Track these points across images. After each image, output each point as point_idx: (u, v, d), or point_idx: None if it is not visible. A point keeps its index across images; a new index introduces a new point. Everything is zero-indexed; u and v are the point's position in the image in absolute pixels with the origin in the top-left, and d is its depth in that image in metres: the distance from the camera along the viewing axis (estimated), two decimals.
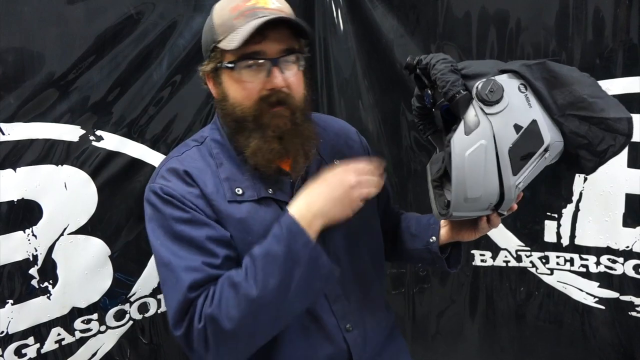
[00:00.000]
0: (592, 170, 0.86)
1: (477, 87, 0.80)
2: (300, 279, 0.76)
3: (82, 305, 1.33)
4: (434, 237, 1.03)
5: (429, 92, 0.90)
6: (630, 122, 0.80)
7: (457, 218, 0.91)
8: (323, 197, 0.81)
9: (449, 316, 1.73)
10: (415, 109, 0.98)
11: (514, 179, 0.82)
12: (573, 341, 1.59)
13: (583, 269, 1.51)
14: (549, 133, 0.81)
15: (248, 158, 0.87)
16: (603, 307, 1.52)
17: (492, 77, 0.81)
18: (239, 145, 0.89)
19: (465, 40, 1.45)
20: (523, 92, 0.82)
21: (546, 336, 1.63)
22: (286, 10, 0.87)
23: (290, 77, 0.85)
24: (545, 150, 0.81)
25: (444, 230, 1.02)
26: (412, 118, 1.57)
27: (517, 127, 0.80)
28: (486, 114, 0.80)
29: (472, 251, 1.63)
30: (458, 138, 0.81)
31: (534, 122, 0.81)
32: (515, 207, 0.90)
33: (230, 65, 0.84)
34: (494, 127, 0.80)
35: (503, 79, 0.82)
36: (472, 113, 0.80)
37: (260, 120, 0.85)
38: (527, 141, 0.81)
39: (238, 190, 0.87)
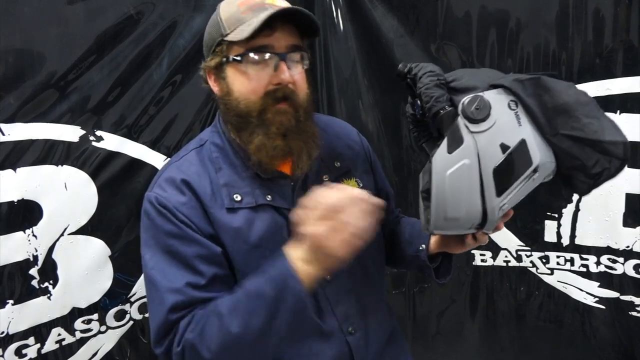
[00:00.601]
0: (586, 192, 0.81)
1: (463, 103, 0.77)
2: (282, 325, 0.75)
3: (83, 305, 1.33)
4: (423, 246, 1.01)
5: (419, 102, 0.85)
6: (626, 145, 0.75)
7: (439, 234, 0.89)
8: (327, 242, 0.74)
9: (449, 316, 1.73)
10: (409, 116, 0.95)
11: (498, 200, 0.78)
12: (573, 341, 1.59)
13: (583, 269, 1.51)
14: (539, 153, 0.77)
15: (251, 154, 0.85)
16: (603, 307, 1.52)
17: (480, 93, 0.78)
18: (241, 145, 0.88)
19: (465, 40, 1.45)
20: (513, 110, 0.78)
21: (546, 336, 1.63)
22: None
23: (296, 74, 0.85)
24: (534, 171, 0.77)
25: (433, 239, 1.00)
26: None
27: (503, 147, 0.77)
28: (471, 131, 0.77)
29: (473, 251, 1.63)
30: (440, 156, 0.78)
31: (522, 141, 0.77)
32: (502, 226, 0.86)
33: (237, 58, 0.83)
34: (479, 146, 0.76)
35: (492, 96, 0.78)
36: (456, 130, 0.77)
37: (264, 116, 0.84)
38: (514, 161, 0.76)
39: (236, 197, 0.86)
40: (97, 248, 1.32)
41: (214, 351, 0.75)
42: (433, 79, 0.81)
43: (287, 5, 0.85)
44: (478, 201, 0.78)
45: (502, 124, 0.77)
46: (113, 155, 1.29)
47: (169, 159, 1.03)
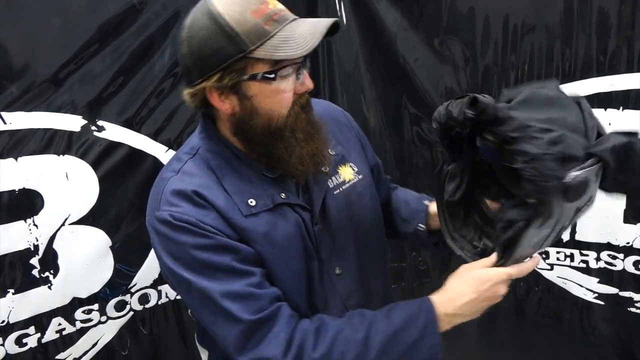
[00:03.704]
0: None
1: (570, 187, 0.70)
2: None
3: (83, 295, 1.33)
4: (421, 225, 1.02)
5: (489, 145, 0.77)
6: None
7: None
8: (469, 303, 0.78)
9: None
10: (442, 130, 0.81)
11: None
12: (572, 336, 1.60)
13: (583, 265, 1.51)
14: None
15: (291, 167, 0.82)
16: (602, 303, 1.52)
17: (585, 173, 0.70)
18: (242, 149, 0.84)
19: (469, 34, 1.44)
20: (598, 179, 0.74)
21: (545, 331, 1.64)
22: None
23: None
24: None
25: (432, 218, 1.01)
26: (415, 111, 1.58)
27: (577, 210, 0.76)
28: (562, 204, 0.73)
29: None
30: (531, 233, 0.74)
31: (590, 198, 0.75)
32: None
33: (269, 75, 0.76)
34: (563, 214, 0.74)
35: (591, 173, 0.71)
36: (551, 203, 0.72)
37: (294, 126, 0.80)
38: (577, 215, 0.77)
39: (251, 202, 0.81)
40: (98, 238, 1.32)
41: None
42: (549, 153, 0.69)
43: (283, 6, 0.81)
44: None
45: (591, 196, 0.75)
46: (114, 145, 1.29)
47: (172, 153, 0.96)
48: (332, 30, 0.78)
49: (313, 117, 0.84)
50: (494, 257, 0.80)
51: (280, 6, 0.78)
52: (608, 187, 0.76)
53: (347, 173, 0.94)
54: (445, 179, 0.88)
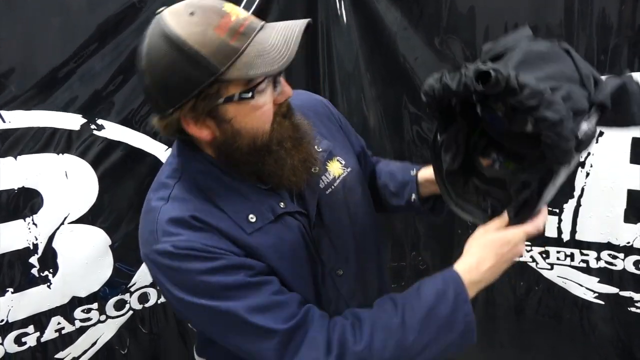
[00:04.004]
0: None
1: (581, 140, 0.70)
2: (446, 345, 0.76)
3: (83, 294, 1.33)
4: (414, 196, 1.01)
5: (499, 114, 0.75)
6: None
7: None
8: (491, 268, 0.78)
9: None
10: (434, 99, 0.79)
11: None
12: (572, 336, 1.59)
13: (583, 264, 1.51)
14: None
15: (284, 180, 0.79)
16: (602, 303, 1.52)
17: (593, 124, 0.71)
18: (229, 165, 0.79)
19: (469, 34, 1.44)
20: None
21: (545, 331, 1.63)
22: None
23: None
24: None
25: (423, 186, 1.01)
26: (415, 110, 1.58)
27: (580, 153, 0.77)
28: (575, 157, 0.73)
29: None
30: (549, 192, 0.75)
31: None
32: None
33: (247, 95, 0.70)
34: (571, 163, 0.75)
35: (594, 121, 0.72)
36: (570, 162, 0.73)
37: (280, 137, 0.77)
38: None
39: (251, 218, 0.77)
40: (97, 237, 1.32)
41: None
42: (563, 114, 0.68)
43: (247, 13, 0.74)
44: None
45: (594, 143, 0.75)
46: (114, 144, 1.29)
47: (164, 168, 0.85)
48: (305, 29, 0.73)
49: (296, 120, 0.80)
50: (505, 216, 0.80)
51: (243, 14, 0.71)
52: (599, 124, 0.76)
53: (336, 168, 0.92)
54: (440, 150, 0.87)
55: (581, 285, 1.54)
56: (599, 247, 1.47)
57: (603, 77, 0.77)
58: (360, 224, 0.93)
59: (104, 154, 1.28)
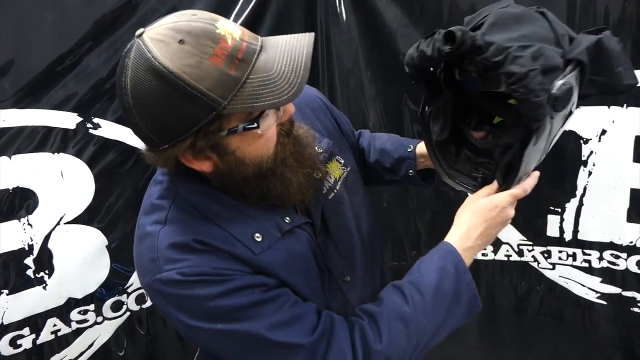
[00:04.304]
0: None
1: (554, 95, 0.70)
2: (457, 318, 0.77)
3: (79, 295, 1.32)
4: (411, 171, 1.03)
5: (473, 75, 0.77)
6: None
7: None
8: (482, 233, 0.79)
9: None
10: (416, 62, 0.80)
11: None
12: (574, 336, 1.59)
13: (585, 264, 1.50)
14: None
15: (292, 200, 0.77)
16: (605, 303, 1.51)
17: (568, 80, 0.71)
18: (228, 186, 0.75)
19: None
20: (578, 82, 0.74)
21: (547, 331, 1.63)
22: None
23: None
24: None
25: (418, 161, 1.03)
26: (416, 108, 1.56)
27: (565, 117, 0.78)
28: (552, 118, 0.74)
29: None
30: (530, 151, 0.76)
31: (573, 104, 0.76)
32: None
33: (252, 125, 0.66)
34: (552, 127, 0.76)
35: (573, 79, 0.72)
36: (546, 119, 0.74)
37: (283, 156, 0.74)
38: (564, 124, 0.79)
39: (257, 237, 0.73)
40: (93, 237, 1.30)
41: (407, 353, 0.74)
42: (534, 68, 0.69)
43: (242, 29, 0.68)
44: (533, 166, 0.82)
45: (574, 101, 0.76)
46: (110, 143, 1.27)
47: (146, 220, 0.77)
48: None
49: (296, 132, 0.77)
50: (495, 183, 0.81)
51: (237, 31, 0.64)
52: (587, 89, 0.77)
53: (336, 169, 0.90)
54: (428, 121, 0.89)
55: (583, 285, 1.53)
56: (601, 246, 1.46)
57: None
58: (365, 224, 0.92)
59: (100, 153, 1.27)
